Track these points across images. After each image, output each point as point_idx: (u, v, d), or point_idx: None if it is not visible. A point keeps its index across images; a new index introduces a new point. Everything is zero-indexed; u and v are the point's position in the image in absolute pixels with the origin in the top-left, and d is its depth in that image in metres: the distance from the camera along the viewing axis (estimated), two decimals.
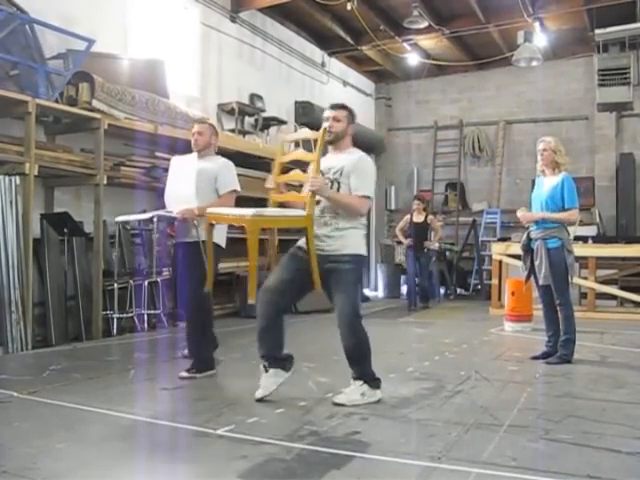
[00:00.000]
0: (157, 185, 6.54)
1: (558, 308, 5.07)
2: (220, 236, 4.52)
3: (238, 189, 4.57)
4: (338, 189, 3.73)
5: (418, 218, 9.46)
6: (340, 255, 3.68)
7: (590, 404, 3.77)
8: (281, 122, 9.97)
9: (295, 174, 3.89)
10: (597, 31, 9.48)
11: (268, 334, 3.74)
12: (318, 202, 3.70)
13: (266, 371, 3.78)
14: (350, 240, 3.74)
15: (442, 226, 10.89)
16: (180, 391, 4.15)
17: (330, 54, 11.91)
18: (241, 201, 4.71)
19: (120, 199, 6.61)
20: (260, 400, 3.74)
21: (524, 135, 12.30)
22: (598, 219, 11.04)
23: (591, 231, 10.17)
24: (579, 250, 7.65)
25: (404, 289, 11.03)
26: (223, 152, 4.88)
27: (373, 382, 3.82)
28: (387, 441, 3.05)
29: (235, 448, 2.95)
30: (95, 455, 2.89)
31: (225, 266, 7.28)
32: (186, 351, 4.75)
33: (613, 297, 8.98)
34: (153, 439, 3.18)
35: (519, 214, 5.25)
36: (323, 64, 11.78)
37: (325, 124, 3.79)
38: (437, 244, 10.41)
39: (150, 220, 4.92)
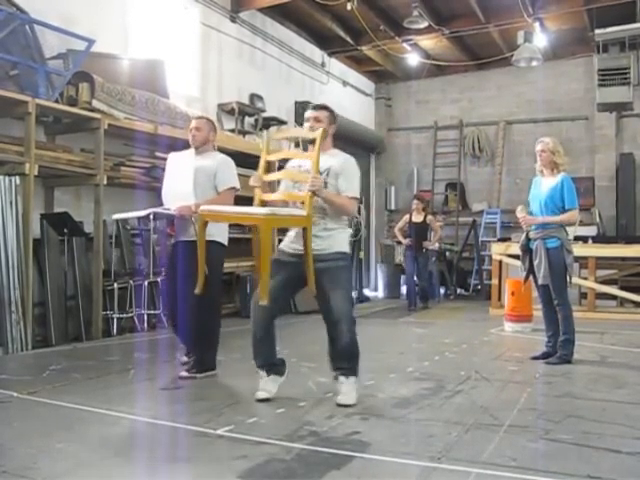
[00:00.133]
0: (157, 185, 6.51)
1: (557, 308, 5.07)
2: (222, 235, 4.50)
3: (237, 186, 4.49)
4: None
5: (417, 218, 9.45)
6: (329, 254, 3.71)
7: (590, 404, 3.77)
8: (281, 122, 9.98)
9: (287, 172, 3.87)
10: (597, 31, 9.49)
11: (264, 344, 3.82)
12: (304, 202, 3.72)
13: (267, 375, 3.83)
14: (337, 240, 3.79)
15: (442, 226, 10.90)
16: (180, 391, 4.15)
17: (330, 54, 11.91)
18: (239, 200, 4.64)
19: (120, 199, 6.61)
20: (260, 400, 3.75)
21: (524, 135, 12.30)
22: (598, 219, 11.05)
23: (591, 231, 10.18)
24: (579, 250, 7.66)
25: (404, 289, 11.03)
26: (223, 152, 4.82)
27: (357, 374, 3.86)
28: (387, 441, 3.05)
29: (235, 448, 2.95)
30: (95, 455, 2.89)
31: (225, 266, 7.28)
32: (184, 358, 4.65)
33: (613, 297, 8.98)
34: (153, 439, 3.18)
35: (519, 215, 5.25)
36: (323, 64, 11.78)
37: (306, 124, 3.84)
38: (437, 244, 10.41)
39: (147, 217, 4.81)
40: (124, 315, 6.64)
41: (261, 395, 3.78)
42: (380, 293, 12.21)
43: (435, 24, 10.52)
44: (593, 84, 9.97)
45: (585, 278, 8.65)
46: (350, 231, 4.01)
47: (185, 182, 4.40)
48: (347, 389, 3.76)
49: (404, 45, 11.36)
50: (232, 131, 8.91)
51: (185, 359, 4.64)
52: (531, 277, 5.31)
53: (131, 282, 6.76)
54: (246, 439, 3.07)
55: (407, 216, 9.63)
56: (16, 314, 5.47)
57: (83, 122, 6.36)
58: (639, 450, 2.90)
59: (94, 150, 6.42)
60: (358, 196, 3.83)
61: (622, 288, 8.86)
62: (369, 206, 13.41)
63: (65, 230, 6.19)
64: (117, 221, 6.86)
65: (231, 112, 9.05)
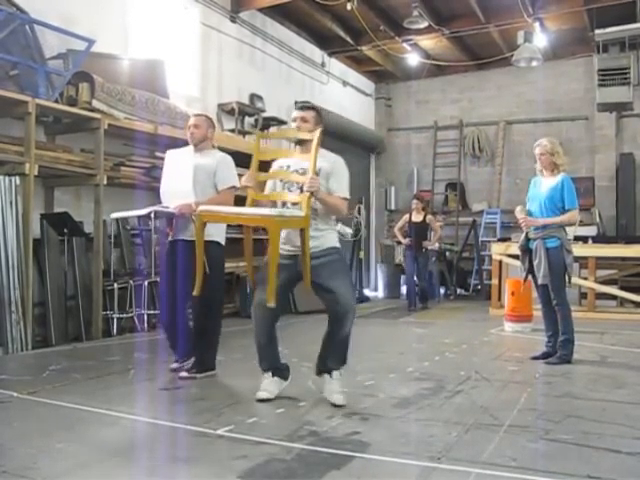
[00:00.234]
0: (157, 185, 6.47)
1: (555, 308, 5.07)
2: (221, 235, 4.48)
3: (237, 185, 4.42)
4: None
5: (417, 218, 9.45)
6: (321, 250, 3.74)
7: (590, 404, 3.77)
8: (281, 122, 9.97)
9: (280, 172, 3.87)
10: (597, 31, 9.49)
11: (269, 348, 3.86)
12: (296, 202, 3.74)
13: (272, 377, 3.85)
14: (328, 238, 3.85)
15: (442, 226, 10.90)
16: (180, 391, 4.15)
17: (330, 54, 11.91)
18: (236, 199, 4.55)
19: (120, 199, 6.61)
20: (261, 400, 3.75)
21: (524, 135, 12.30)
22: (598, 219, 11.05)
23: (591, 231, 10.18)
24: (579, 250, 7.66)
25: (404, 289, 11.03)
26: (223, 152, 4.81)
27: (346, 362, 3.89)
28: (387, 441, 3.05)
29: (235, 448, 2.95)
30: (95, 455, 2.89)
31: (225, 266, 7.27)
32: (174, 364, 4.58)
33: (613, 297, 8.98)
34: (153, 439, 3.18)
35: (519, 215, 5.24)
36: (323, 64, 11.79)
37: (293, 124, 3.86)
38: (437, 244, 10.41)
39: (148, 216, 4.74)
40: (124, 315, 6.64)
41: (262, 395, 3.78)
42: (380, 293, 12.22)
43: (435, 24, 10.52)
44: (593, 84, 9.97)
45: (585, 278, 8.65)
46: (337, 231, 4.06)
47: (184, 180, 4.34)
48: (338, 386, 3.77)
49: (404, 45, 11.36)
50: (232, 131, 8.92)
51: (175, 365, 4.56)
52: (531, 277, 5.31)
53: (131, 282, 6.76)
54: (246, 439, 3.07)
55: (407, 216, 9.62)
56: (16, 314, 5.47)
57: (83, 122, 6.36)
58: (639, 450, 2.90)
59: (94, 150, 6.42)
60: (348, 196, 3.87)
61: (622, 288, 8.86)
62: (369, 206, 13.41)
63: (65, 230, 6.19)
64: (117, 221, 6.86)
65: (231, 112, 9.05)
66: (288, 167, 3.85)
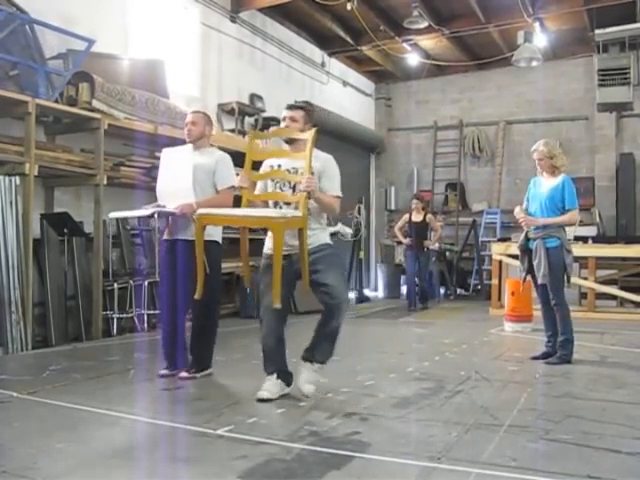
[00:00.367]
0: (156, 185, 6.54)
1: (554, 308, 5.07)
2: (219, 234, 4.47)
3: (236, 185, 4.34)
4: None
5: (417, 217, 9.45)
6: (314, 247, 3.77)
7: (590, 404, 3.77)
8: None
9: (275, 171, 3.87)
10: (597, 31, 9.49)
11: (277, 351, 3.88)
12: (289, 202, 3.75)
13: (277, 378, 3.85)
14: (320, 236, 3.87)
15: (442, 226, 10.90)
16: (180, 391, 4.15)
17: (330, 54, 11.91)
18: (236, 200, 4.57)
19: (120, 199, 6.61)
20: (261, 400, 3.75)
21: (524, 135, 12.30)
22: (598, 219, 11.05)
23: (591, 231, 10.18)
24: (579, 250, 7.67)
25: (404, 289, 11.03)
26: (223, 152, 4.81)
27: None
28: (387, 441, 3.05)
29: (235, 448, 2.95)
30: (95, 455, 2.89)
31: (225, 266, 7.27)
32: (164, 371, 4.48)
33: (613, 297, 8.98)
34: (153, 439, 3.18)
35: (519, 215, 5.24)
36: (323, 64, 11.79)
37: (282, 124, 3.89)
38: (437, 244, 10.41)
39: (152, 217, 4.68)
40: (124, 315, 6.64)
41: (263, 395, 3.77)
42: (380, 293, 12.21)
43: (435, 24, 10.52)
44: (593, 84, 9.97)
45: (585, 278, 8.65)
46: (337, 230, 4.09)
47: (184, 179, 4.28)
48: (313, 377, 3.82)
49: (404, 45, 11.36)
50: (232, 131, 8.92)
51: (165, 372, 4.48)
52: (530, 277, 5.31)
53: (131, 282, 6.76)
54: (246, 439, 3.06)
55: (406, 216, 9.62)
56: (16, 314, 5.47)
57: (83, 122, 6.36)
58: (639, 450, 2.90)
59: (94, 150, 6.42)
60: (341, 194, 3.89)
61: (622, 288, 8.86)
62: (369, 206, 13.41)
63: (65, 230, 6.19)
64: (117, 221, 6.86)
65: (231, 112, 9.05)
66: (279, 166, 3.86)
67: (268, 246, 3.84)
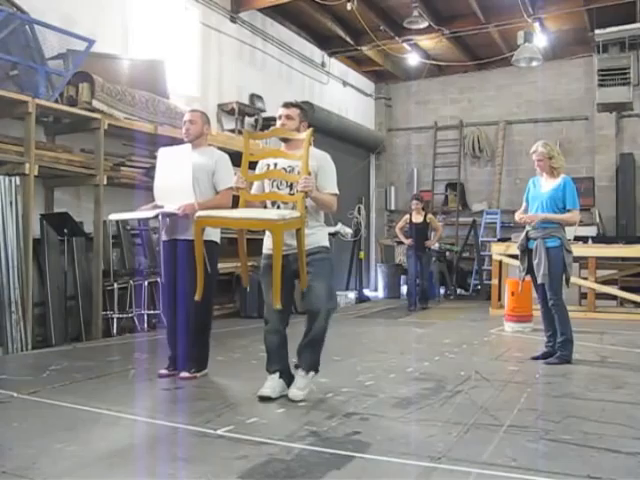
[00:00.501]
0: None
1: (552, 309, 5.07)
2: (217, 234, 4.45)
3: (234, 185, 4.41)
4: None
5: (417, 218, 9.45)
6: (311, 249, 3.77)
7: (590, 404, 3.77)
8: None
9: (272, 171, 3.87)
10: (597, 31, 9.49)
11: (281, 350, 3.89)
12: (286, 202, 3.75)
13: (279, 377, 3.85)
14: (318, 236, 3.86)
15: (442, 225, 10.90)
16: (180, 391, 4.15)
17: (330, 54, 11.92)
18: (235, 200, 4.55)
19: (120, 199, 6.60)
20: (261, 399, 3.75)
21: (524, 135, 12.30)
22: (598, 219, 11.05)
23: (591, 231, 10.19)
24: (579, 250, 7.66)
25: (404, 289, 11.03)
26: (221, 152, 4.81)
27: (318, 370, 3.93)
28: (387, 441, 3.05)
29: (235, 448, 2.95)
30: (95, 455, 2.88)
31: (225, 266, 7.28)
32: (164, 370, 4.49)
33: (613, 297, 8.98)
34: (153, 439, 3.18)
35: (519, 216, 5.24)
36: (323, 64, 11.79)
37: (278, 122, 3.89)
38: (437, 244, 10.40)
39: (156, 218, 4.59)
40: (124, 315, 6.64)
41: (264, 392, 3.77)
42: (380, 293, 12.21)
43: (435, 24, 10.52)
44: (593, 84, 9.98)
45: (585, 278, 8.65)
46: (327, 229, 4.06)
47: (183, 179, 4.25)
48: (303, 383, 3.81)
49: (404, 45, 11.37)
50: (232, 131, 8.92)
51: (164, 372, 4.48)
52: (530, 277, 5.31)
53: (131, 282, 6.76)
54: (246, 439, 3.06)
55: (407, 216, 9.62)
56: (16, 314, 5.47)
57: (83, 122, 6.36)
58: (639, 450, 2.90)
59: (94, 150, 6.42)
60: (338, 192, 3.89)
61: (622, 288, 8.86)
62: (369, 206, 13.41)
63: (65, 230, 6.18)
64: (117, 221, 6.85)
65: (231, 112, 9.05)
66: (275, 165, 3.86)
67: (267, 246, 3.85)
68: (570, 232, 5.29)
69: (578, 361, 5.07)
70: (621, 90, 9.37)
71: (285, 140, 3.89)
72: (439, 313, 9.23)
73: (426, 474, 2.65)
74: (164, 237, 4.50)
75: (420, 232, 9.39)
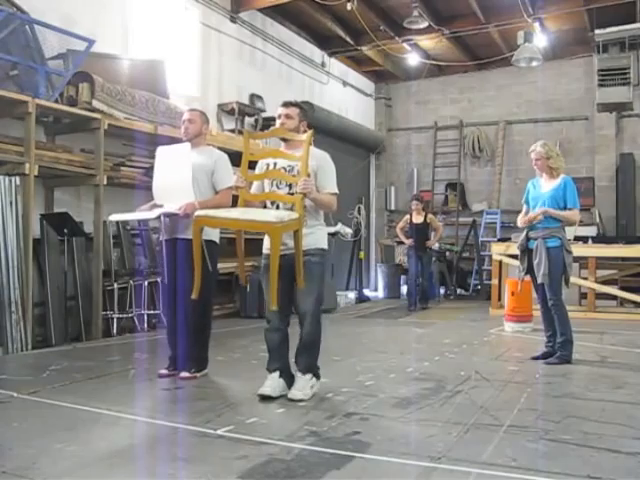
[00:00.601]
0: None
1: (551, 309, 5.07)
2: (216, 233, 4.45)
3: (233, 185, 4.29)
4: None
5: (417, 219, 9.45)
6: (310, 249, 3.78)
7: (590, 404, 3.77)
8: None
9: (272, 172, 3.87)
10: (597, 31, 9.49)
11: (281, 349, 3.91)
12: (285, 202, 3.76)
13: (280, 376, 3.86)
14: (317, 236, 3.87)
15: (442, 226, 10.90)
16: (180, 391, 4.15)
17: (330, 54, 11.92)
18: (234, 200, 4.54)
19: (120, 199, 6.60)
20: (261, 399, 3.76)
21: (524, 135, 12.30)
22: (598, 219, 11.05)
23: (591, 231, 10.19)
24: (579, 250, 7.66)
25: (404, 289, 11.02)
26: (223, 152, 4.81)
27: (318, 373, 3.95)
28: (387, 441, 3.05)
29: (235, 448, 2.95)
30: (95, 455, 2.88)
31: (225, 266, 7.28)
32: (164, 370, 4.49)
33: (613, 297, 8.98)
34: (153, 439, 3.18)
35: (522, 219, 5.24)
36: (323, 64, 11.79)
37: (277, 121, 3.90)
38: (437, 244, 10.40)
39: (157, 219, 4.55)
40: (124, 315, 6.64)
41: (265, 391, 3.78)
42: (380, 293, 12.21)
43: (435, 24, 10.52)
44: (593, 84, 9.98)
45: (585, 278, 8.65)
46: (326, 228, 4.07)
47: (183, 178, 4.23)
48: (301, 384, 3.82)
49: (404, 45, 11.37)
50: (232, 131, 8.92)
51: (164, 372, 4.48)
52: (529, 277, 5.31)
53: (131, 282, 6.76)
54: (246, 439, 3.06)
55: (408, 216, 9.62)
56: (16, 314, 5.47)
57: (83, 122, 6.36)
58: (639, 450, 2.90)
59: (94, 150, 6.42)
60: (337, 191, 3.89)
61: (622, 288, 8.86)
62: (369, 206, 13.42)
63: (65, 230, 6.18)
64: (117, 221, 6.84)
65: (231, 112, 9.05)
66: (275, 165, 3.86)
67: (267, 246, 3.85)
68: (570, 232, 5.29)
69: (578, 361, 5.07)
70: (621, 90, 9.37)
71: (285, 140, 3.89)
72: (439, 313, 9.23)
73: (426, 474, 2.65)
74: (164, 236, 4.50)
75: (420, 232, 9.39)
